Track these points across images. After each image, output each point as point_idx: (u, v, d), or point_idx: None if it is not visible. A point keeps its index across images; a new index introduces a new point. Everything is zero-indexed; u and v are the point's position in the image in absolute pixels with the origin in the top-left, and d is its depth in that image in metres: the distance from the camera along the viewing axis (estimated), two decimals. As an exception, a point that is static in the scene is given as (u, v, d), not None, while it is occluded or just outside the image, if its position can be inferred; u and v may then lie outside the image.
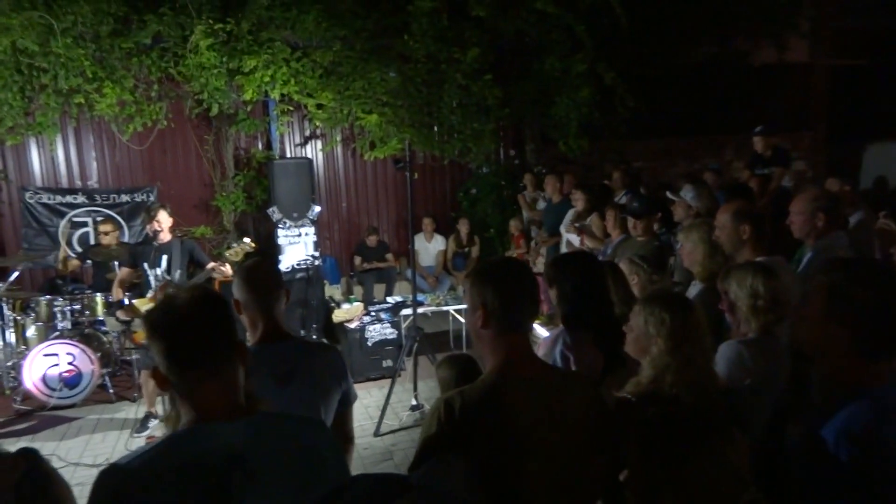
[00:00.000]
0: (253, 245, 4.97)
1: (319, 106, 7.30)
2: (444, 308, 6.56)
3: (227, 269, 4.93)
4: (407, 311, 6.27)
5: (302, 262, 7.05)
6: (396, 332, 6.13)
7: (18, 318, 5.87)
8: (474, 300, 1.70)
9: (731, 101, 9.45)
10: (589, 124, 7.94)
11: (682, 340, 1.86)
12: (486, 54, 7.35)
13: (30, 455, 1.65)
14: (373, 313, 6.26)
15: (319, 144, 8.68)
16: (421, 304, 6.32)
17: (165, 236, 4.89)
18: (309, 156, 8.42)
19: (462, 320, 6.47)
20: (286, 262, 7.32)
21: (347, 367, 2.21)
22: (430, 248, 8.66)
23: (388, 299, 7.03)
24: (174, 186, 8.02)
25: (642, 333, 1.91)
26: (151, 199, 7.79)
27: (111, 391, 5.75)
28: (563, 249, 6.52)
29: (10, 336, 5.80)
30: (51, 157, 7.69)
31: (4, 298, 5.68)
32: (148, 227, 4.93)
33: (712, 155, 9.92)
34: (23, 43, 5.73)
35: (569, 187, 7.43)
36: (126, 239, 7.40)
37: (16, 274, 5.74)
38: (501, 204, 8.92)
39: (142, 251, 4.95)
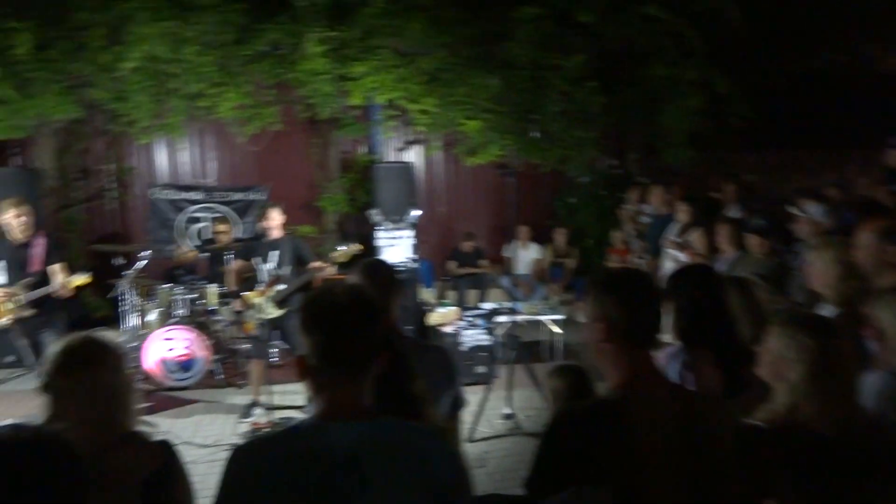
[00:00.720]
0: (360, 247, 5.12)
1: (423, 111, 7.41)
2: (540, 317, 6.44)
3: (330, 269, 5.10)
4: (502, 318, 6.24)
5: (400, 265, 7.17)
6: (491, 338, 6.09)
7: (142, 303, 6.33)
8: (595, 311, 1.62)
9: (856, 112, 8.70)
10: (697, 134, 7.58)
11: (825, 368, 1.69)
12: (590, 61, 7.20)
13: (169, 449, 1.72)
14: (468, 318, 6.26)
15: (420, 149, 8.82)
16: (517, 312, 6.25)
17: (277, 233, 5.11)
18: (409, 160, 8.58)
19: (558, 331, 6.33)
20: (384, 263, 7.48)
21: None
22: (525, 255, 8.56)
23: (483, 305, 7.00)
24: (282, 187, 8.38)
25: (780, 357, 1.76)
26: (262, 197, 8.20)
27: (220, 377, 6.08)
28: (668, 265, 6.24)
29: (135, 320, 6.24)
30: (175, 157, 8.28)
31: (131, 285, 6.11)
32: (261, 223, 5.17)
33: (833, 169, 9.18)
34: (157, 51, 6.20)
35: (676, 199, 7.12)
36: (238, 234, 7.81)
37: (143, 262, 6.18)
38: (601, 214, 8.69)
39: (254, 246, 5.20)
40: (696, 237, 6.00)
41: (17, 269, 4.85)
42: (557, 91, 7.14)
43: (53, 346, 1.66)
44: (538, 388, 5.01)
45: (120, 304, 6.09)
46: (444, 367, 2.14)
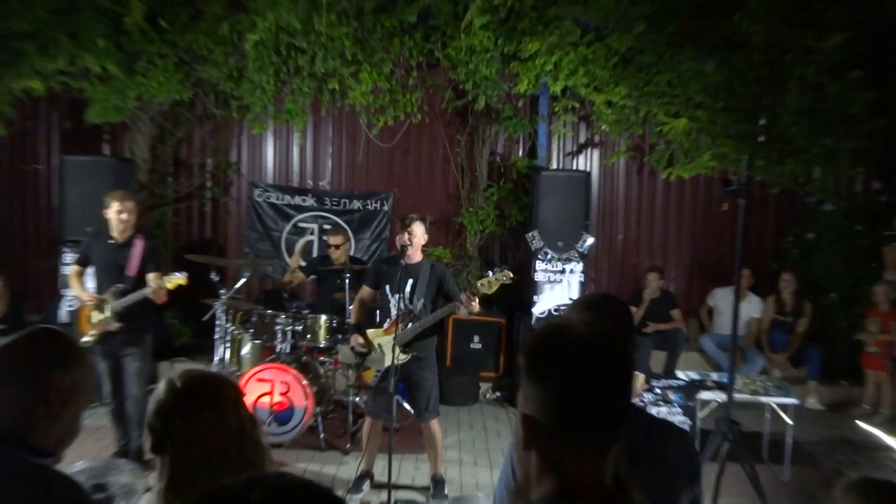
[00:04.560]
0: (512, 276, 5.08)
1: (609, 104, 7.34)
2: (762, 399, 6.04)
3: (475, 305, 5.09)
4: (707, 395, 5.93)
5: (561, 308, 7.06)
6: (689, 421, 5.80)
7: (236, 332, 6.67)
8: None
9: None
10: None
11: None
12: (855, 42, 6.78)
13: None
14: (658, 390, 6.02)
15: (595, 155, 8.74)
16: (729, 388, 5.91)
17: (416, 255, 5.19)
18: (582, 169, 8.55)
19: (789, 422, 5.90)
20: (541, 305, 7.41)
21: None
22: (743, 310, 8.09)
23: (679, 374, 6.70)
24: (413, 195, 8.64)
25: None
26: (386, 207, 8.48)
27: (322, 436, 6.25)
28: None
29: (226, 352, 6.57)
30: (286, 152, 8.81)
31: (226, 308, 6.46)
32: (398, 238, 5.27)
33: None
34: (287, 19, 6.65)
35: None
36: (352, 254, 8.00)
37: (243, 280, 6.56)
38: (853, 257, 8.13)
39: (387, 270, 5.28)
40: None
41: (112, 274, 5.41)
42: (803, 82, 6.78)
43: (161, 383, 1.79)
44: (760, 499, 4.69)
45: (216, 329, 6.44)
46: (687, 457, 2.09)
